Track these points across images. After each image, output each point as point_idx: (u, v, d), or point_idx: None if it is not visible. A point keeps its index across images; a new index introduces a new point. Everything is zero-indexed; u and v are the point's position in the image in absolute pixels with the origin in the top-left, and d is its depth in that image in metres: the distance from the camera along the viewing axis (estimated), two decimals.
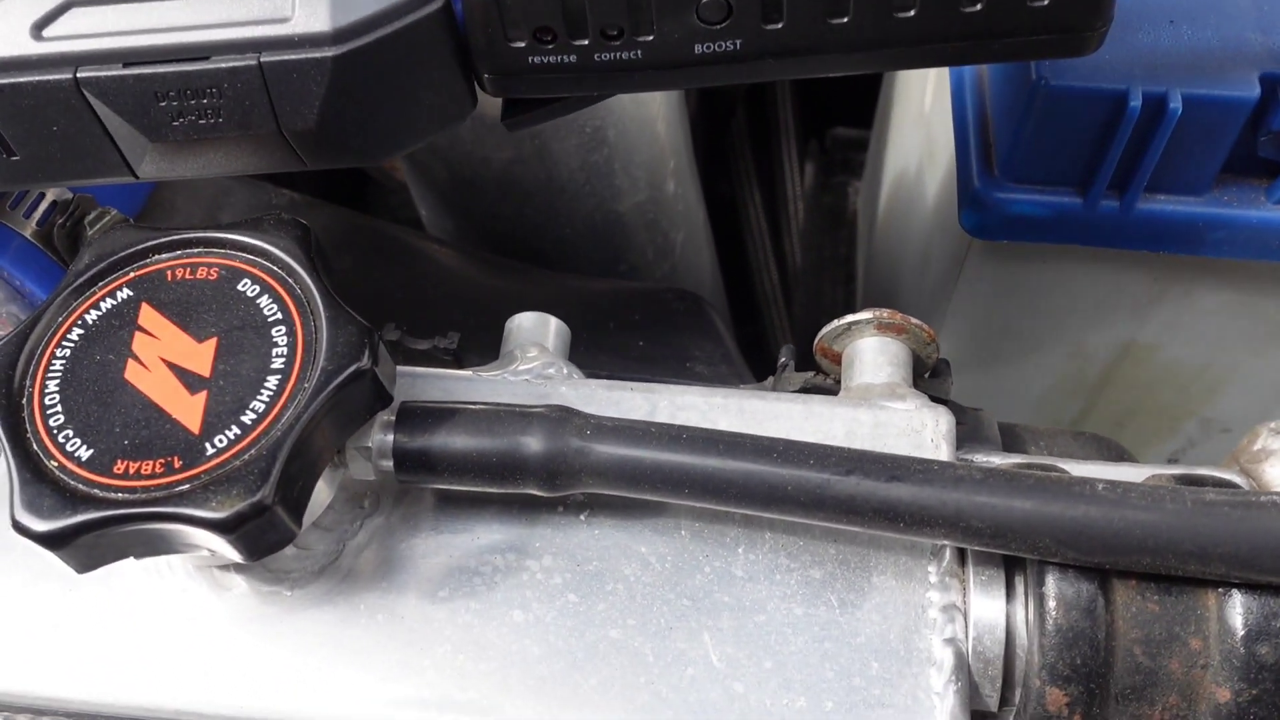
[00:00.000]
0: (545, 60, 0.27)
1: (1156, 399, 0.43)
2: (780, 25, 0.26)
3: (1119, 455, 0.38)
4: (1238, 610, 0.25)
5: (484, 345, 0.40)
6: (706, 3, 0.26)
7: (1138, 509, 0.24)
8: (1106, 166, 0.33)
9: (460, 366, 0.38)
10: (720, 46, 0.26)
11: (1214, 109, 0.32)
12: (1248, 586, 0.25)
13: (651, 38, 0.26)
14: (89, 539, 0.24)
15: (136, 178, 0.28)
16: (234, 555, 0.24)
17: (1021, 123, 0.34)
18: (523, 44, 0.27)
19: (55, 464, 0.24)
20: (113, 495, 0.24)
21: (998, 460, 0.33)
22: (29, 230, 0.34)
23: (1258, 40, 0.33)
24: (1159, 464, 0.41)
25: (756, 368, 0.86)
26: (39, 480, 0.24)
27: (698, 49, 0.26)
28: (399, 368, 0.30)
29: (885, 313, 0.33)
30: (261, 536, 0.24)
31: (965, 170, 0.36)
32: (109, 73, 0.25)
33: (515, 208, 0.48)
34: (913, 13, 0.25)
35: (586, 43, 0.26)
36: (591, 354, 0.42)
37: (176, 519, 0.23)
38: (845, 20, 0.26)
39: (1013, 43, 0.26)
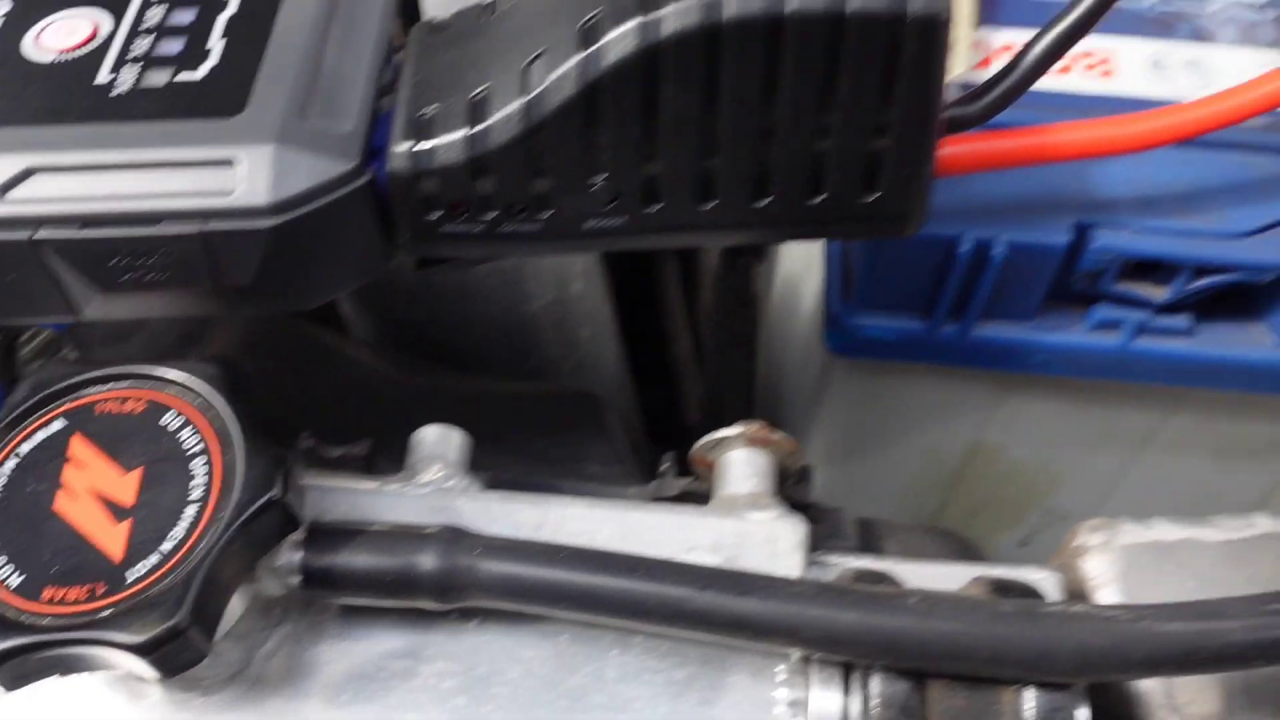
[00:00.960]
0: (456, 230, 0.31)
1: (1004, 492, 0.48)
2: (658, 208, 0.30)
3: (963, 550, 0.42)
4: (1029, 704, 0.29)
5: (394, 448, 0.43)
6: (597, 189, 0.30)
7: (943, 620, 0.28)
8: (945, 298, 0.38)
9: (371, 471, 0.41)
10: (608, 223, 0.31)
11: (1033, 253, 0.36)
12: (1037, 684, 0.29)
13: (550, 214, 0.30)
14: (16, 663, 0.26)
15: (79, 319, 0.31)
16: (151, 674, 0.27)
17: (873, 259, 0.38)
18: (437, 215, 0.30)
19: None
20: (40, 622, 0.27)
21: (848, 562, 0.37)
22: None
23: (1074, 188, 0.37)
24: (1004, 554, 0.46)
25: (670, 428, 0.90)
26: None
27: (588, 224, 0.31)
28: (311, 480, 0.33)
29: (753, 428, 0.37)
30: (176, 657, 0.27)
31: (829, 295, 0.40)
32: (66, 235, 0.28)
33: (429, 312, 0.51)
34: (768, 201, 0.30)
35: (493, 217, 0.30)
36: (495, 454, 0.45)
37: (97, 643, 0.26)
38: (713, 206, 0.30)
39: (849, 226, 0.31)
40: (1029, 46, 0.33)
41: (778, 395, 0.57)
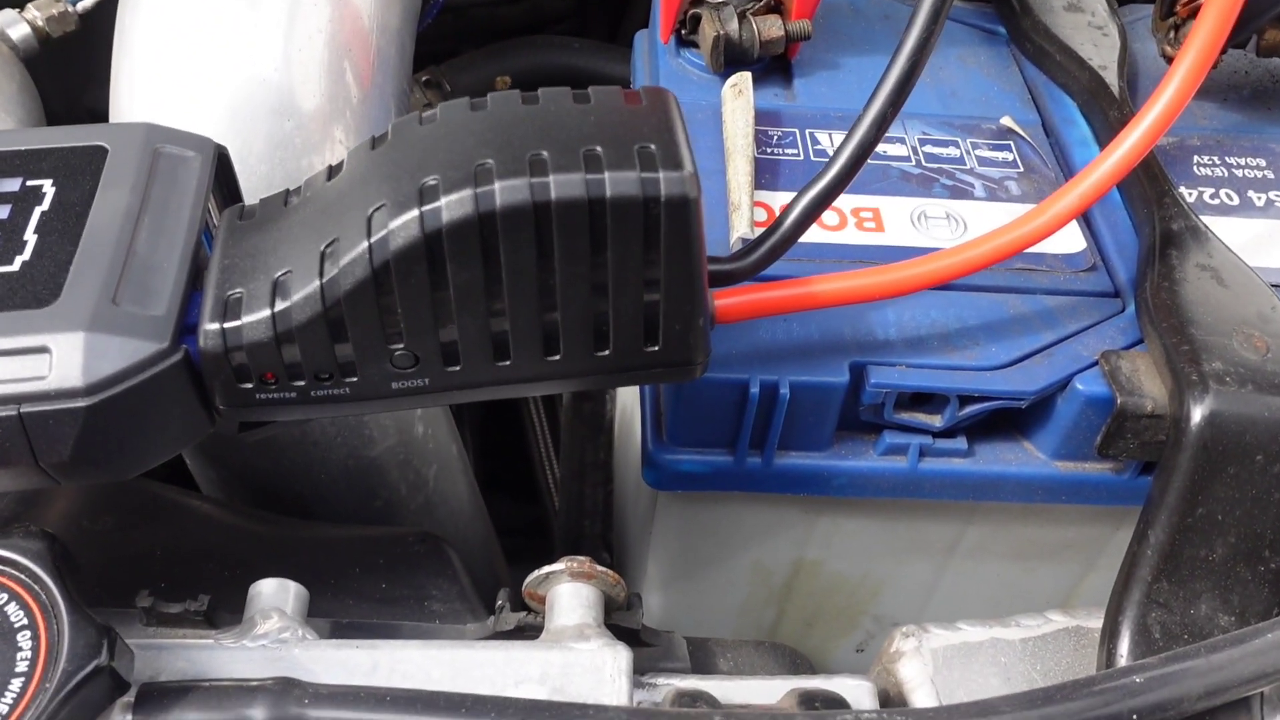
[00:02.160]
0: (269, 397, 0.33)
1: (832, 603, 0.51)
2: (459, 368, 0.33)
3: (791, 663, 0.45)
4: None
5: (235, 599, 0.44)
6: (399, 355, 0.33)
7: None
8: (744, 433, 0.41)
9: (212, 624, 0.42)
10: (413, 384, 0.33)
11: (816, 391, 0.41)
12: None
13: (356, 379, 0.33)
14: None
15: None
16: None
17: (677, 400, 0.42)
18: (250, 385, 0.33)
19: None
20: None
21: (675, 683, 0.40)
22: None
23: (849, 333, 0.42)
24: (840, 660, 0.48)
25: (540, 545, 0.91)
26: None
27: (394, 385, 0.33)
28: (145, 640, 0.34)
29: (576, 562, 0.40)
30: None
31: (644, 434, 0.44)
32: None
33: (271, 461, 0.52)
34: (559, 357, 0.33)
35: (303, 384, 0.33)
36: (338, 599, 0.46)
37: None
38: (509, 363, 0.33)
39: (639, 374, 0.34)
40: (788, 209, 0.38)
41: (618, 522, 0.60)
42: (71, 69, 0.68)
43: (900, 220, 0.47)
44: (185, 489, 0.55)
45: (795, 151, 0.49)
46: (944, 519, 0.47)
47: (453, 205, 0.30)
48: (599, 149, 0.31)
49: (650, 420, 0.43)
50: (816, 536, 0.47)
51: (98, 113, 0.75)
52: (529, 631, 0.42)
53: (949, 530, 0.47)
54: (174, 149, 0.37)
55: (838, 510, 0.46)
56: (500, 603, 0.43)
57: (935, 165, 0.50)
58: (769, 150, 0.49)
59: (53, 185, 0.35)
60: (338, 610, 0.45)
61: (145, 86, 0.47)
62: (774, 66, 0.54)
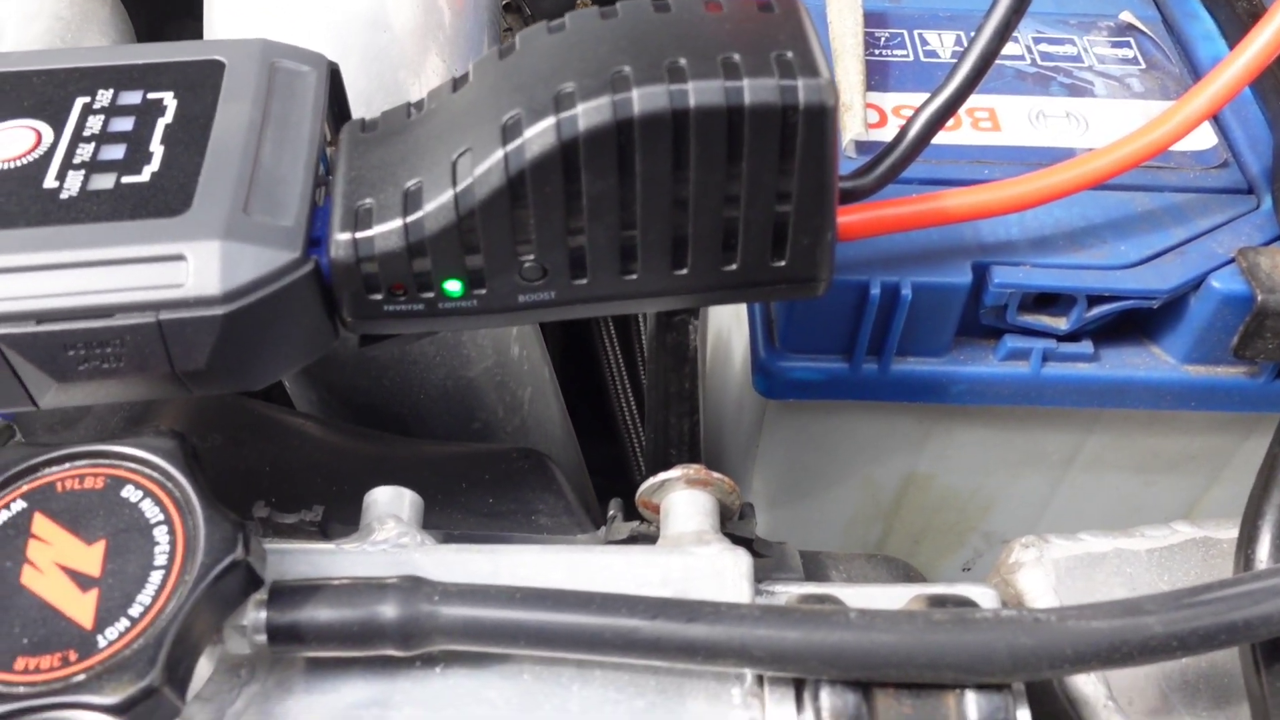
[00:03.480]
0: (397, 309, 0.33)
1: (941, 519, 0.50)
2: (586, 281, 0.32)
3: (904, 575, 0.44)
4: (971, 707, 0.31)
5: (347, 513, 0.44)
6: (528, 267, 0.32)
7: (881, 631, 0.30)
8: (862, 339, 0.40)
9: (325, 536, 0.43)
10: (539, 297, 0.33)
11: (938, 293, 0.39)
12: (977, 687, 0.31)
13: (484, 291, 0.32)
14: None
15: (38, 408, 0.32)
16: None
17: (792, 307, 0.41)
18: (379, 297, 0.32)
19: None
20: (15, 690, 0.27)
21: (794, 590, 0.39)
22: None
23: (970, 234, 0.41)
24: (949, 579, 0.48)
25: (619, 486, 0.91)
26: None
27: (521, 298, 0.33)
28: (269, 544, 0.34)
29: (692, 469, 0.39)
30: (151, 716, 0.27)
31: (755, 342, 0.43)
32: (23, 330, 0.30)
33: (372, 381, 0.52)
34: (685, 271, 0.32)
35: (431, 295, 0.32)
36: (446, 513, 0.46)
37: (74, 706, 0.27)
38: (635, 277, 0.32)
39: (763, 290, 0.34)
40: (911, 121, 0.36)
41: (719, 443, 0.59)
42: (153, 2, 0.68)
43: (1017, 120, 0.45)
44: (285, 408, 0.55)
45: (904, 53, 0.48)
46: (1063, 428, 0.45)
47: (590, 112, 0.30)
48: (736, 56, 0.30)
49: (761, 327, 0.42)
50: (929, 448, 0.46)
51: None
52: (642, 540, 0.42)
53: (1068, 441, 0.46)
54: (290, 64, 0.37)
55: (953, 420, 0.45)
56: (612, 513, 0.42)
57: (1051, 64, 0.47)
58: (876, 52, 0.48)
59: (174, 98, 0.35)
60: (446, 524, 0.45)
61: (239, 12, 0.47)
62: None
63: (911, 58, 0.47)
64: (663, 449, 0.84)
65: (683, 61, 0.30)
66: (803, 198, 0.32)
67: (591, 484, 0.73)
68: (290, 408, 0.56)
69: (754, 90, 0.30)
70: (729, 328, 0.57)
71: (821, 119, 0.30)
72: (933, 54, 0.48)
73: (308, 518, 0.41)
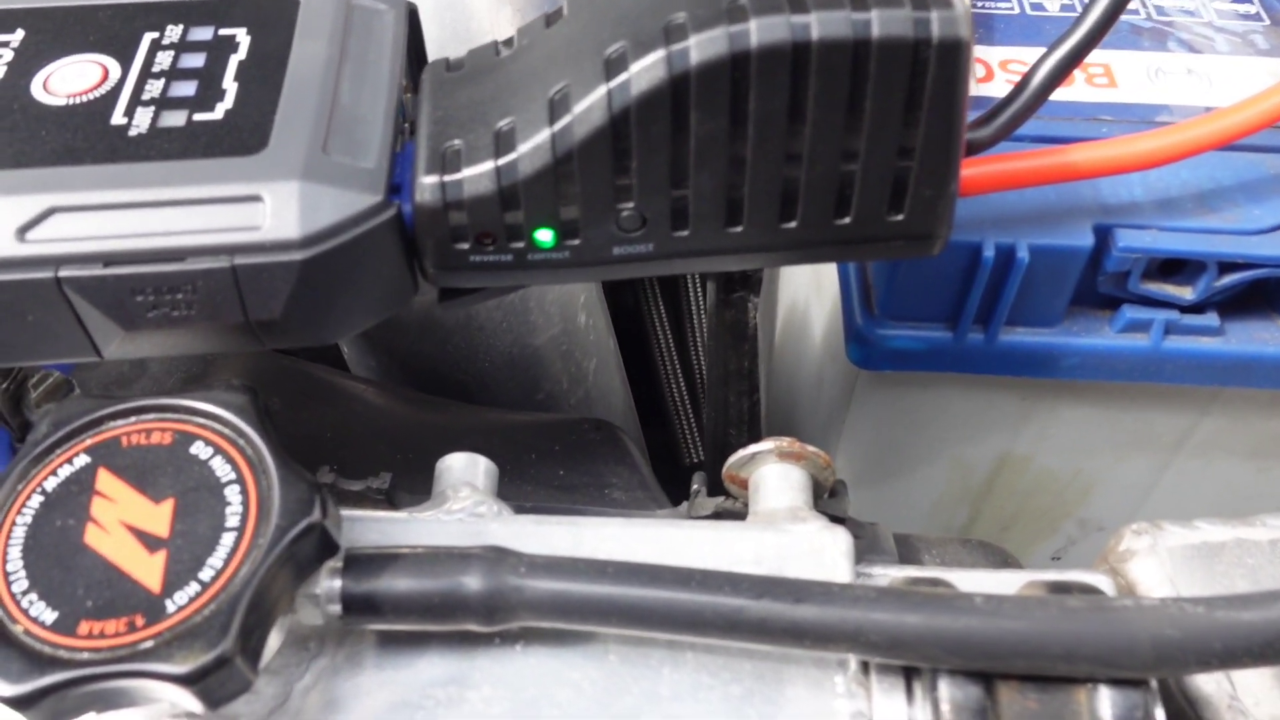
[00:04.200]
0: (484, 260, 0.30)
1: (1035, 503, 0.48)
2: (686, 233, 0.30)
3: (1003, 561, 0.42)
4: (1105, 704, 0.28)
5: (413, 482, 0.42)
6: (626, 216, 0.30)
7: (1010, 618, 0.28)
8: (970, 306, 0.37)
9: (392, 505, 0.40)
10: (635, 249, 0.30)
11: (1056, 256, 0.36)
12: (1112, 682, 0.28)
13: (578, 242, 0.30)
14: (55, 699, 0.25)
15: (102, 358, 0.30)
16: (195, 706, 0.26)
17: (894, 270, 0.38)
18: (465, 246, 0.30)
19: (21, 629, 0.26)
20: (79, 656, 0.25)
21: (894, 573, 0.36)
22: None
23: (1090, 195, 0.38)
24: (1039, 567, 0.45)
25: (668, 470, 0.89)
26: (5, 645, 0.25)
27: (616, 251, 0.30)
28: (341, 512, 0.32)
29: (785, 442, 0.37)
30: (222, 687, 0.25)
31: (849, 309, 0.40)
32: (90, 272, 0.28)
33: (436, 346, 0.50)
34: (795, 224, 0.30)
35: (521, 246, 0.30)
36: (515, 485, 0.44)
37: (142, 675, 0.25)
38: (740, 229, 0.30)
39: (876, 247, 0.31)
40: (1036, 67, 0.34)
41: (792, 422, 0.57)
42: None
43: (1135, 76, 0.42)
44: (345, 372, 0.53)
45: (1009, 5, 0.45)
46: (1177, 408, 0.42)
47: (704, 44, 0.27)
48: None
49: (858, 292, 0.40)
50: (1030, 427, 0.43)
51: None
52: (728, 517, 0.39)
53: (1181, 422, 0.43)
54: (367, 2, 0.35)
55: (1059, 396, 0.42)
56: (696, 487, 0.40)
57: (1167, 19, 0.44)
58: (980, 4, 0.45)
59: (247, 34, 0.33)
60: (516, 496, 0.43)
61: None
62: None
63: (1017, 10, 0.44)
64: (722, 429, 0.81)
65: None
66: (928, 144, 0.29)
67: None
68: (348, 372, 0.55)
69: (883, 21, 0.27)
70: (805, 299, 0.54)
71: (955, 55, 0.28)
72: (1039, 7, 0.45)
73: (375, 485, 0.39)
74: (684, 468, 0.90)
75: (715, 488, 0.40)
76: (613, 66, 0.28)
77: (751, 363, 0.85)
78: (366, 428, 0.46)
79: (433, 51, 0.43)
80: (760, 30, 0.27)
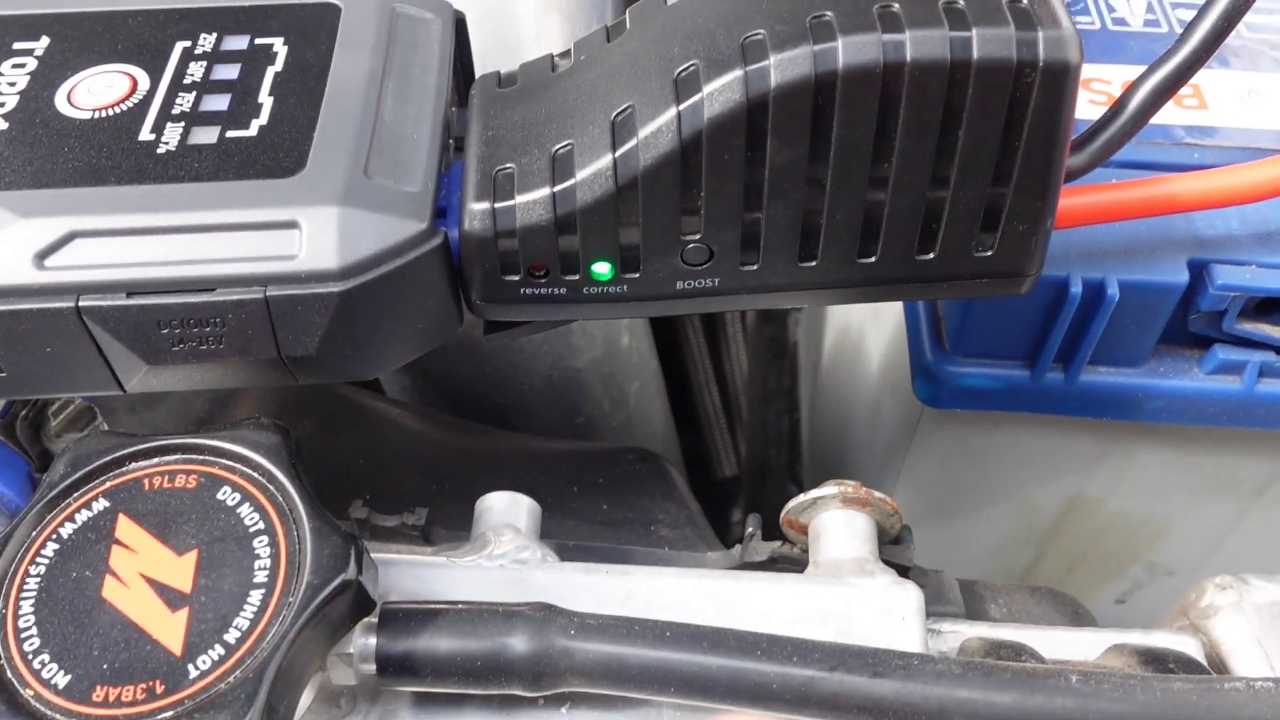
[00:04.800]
0: (536, 292, 0.28)
1: (1103, 546, 0.45)
2: (756, 267, 0.28)
3: (1074, 613, 0.39)
4: None
5: (449, 515, 0.40)
6: (691, 248, 0.27)
7: (1111, 701, 0.25)
8: (1051, 343, 0.35)
9: (428, 542, 0.38)
10: (700, 284, 0.28)
11: (1148, 293, 0.34)
12: None
13: (638, 275, 0.28)
14: None
15: (125, 392, 0.28)
16: None
17: (971, 303, 0.35)
18: (516, 278, 0.28)
19: (31, 693, 0.24)
20: None
21: (964, 629, 0.34)
22: None
23: (1183, 227, 0.35)
24: (1105, 617, 0.42)
25: (700, 481, 0.86)
26: (14, 712, 0.23)
27: (679, 285, 0.28)
28: (373, 555, 0.30)
29: (850, 487, 0.34)
30: None
31: (917, 343, 0.37)
32: (111, 302, 0.26)
33: (475, 368, 0.48)
34: (874, 259, 0.27)
35: (576, 278, 0.28)
36: (556, 518, 0.42)
37: None
38: (814, 264, 0.28)
39: (960, 285, 0.28)
40: (1134, 88, 0.31)
41: (841, 450, 0.54)
42: None
43: (1227, 98, 0.39)
44: (378, 394, 0.51)
45: (1089, 20, 0.42)
46: (1263, 454, 0.40)
47: (784, 64, 0.25)
48: (960, 1, 0.25)
49: (927, 326, 0.37)
50: (1104, 469, 0.41)
51: None
52: (784, 564, 0.37)
53: (1264, 468, 0.40)
54: (413, 10, 0.33)
55: (1137, 438, 0.39)
56: (751, 529, 0.37)
57: (1260, 36, 0.41)
58: None
59: (284, 44, 0.31)
60: (558, 532, 0.41)
61: None
62: None
63: (1098, 25, 0.42)
64: (762, 448, 0.79)
65: (896, 5, 0.25)
66: (1025, 175, 0.27)
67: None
68: (380, 393, 0.52)
69: (984, 42, 0.25)
70: (860, 322, 0.51)
71: (1063, 80, 0.25)
72: (1122, 21, 0.42)
73: (410, 521, 0.37)
74: (717, 481, 0.88)
75: (754, 505, 0.38)
76: (683, 87, 0.26)
77: (791, 380, 0.82)
78: (401, 455, 0.44)
79: (477, 61, 0.40)
80: (848, 50, 0.25)
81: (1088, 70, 0.41)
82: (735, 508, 0.85)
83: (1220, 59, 0.41)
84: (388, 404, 0.48)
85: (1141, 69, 0.31)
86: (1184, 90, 0.39)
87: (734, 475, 0.89)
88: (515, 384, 0.49)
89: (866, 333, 0.49)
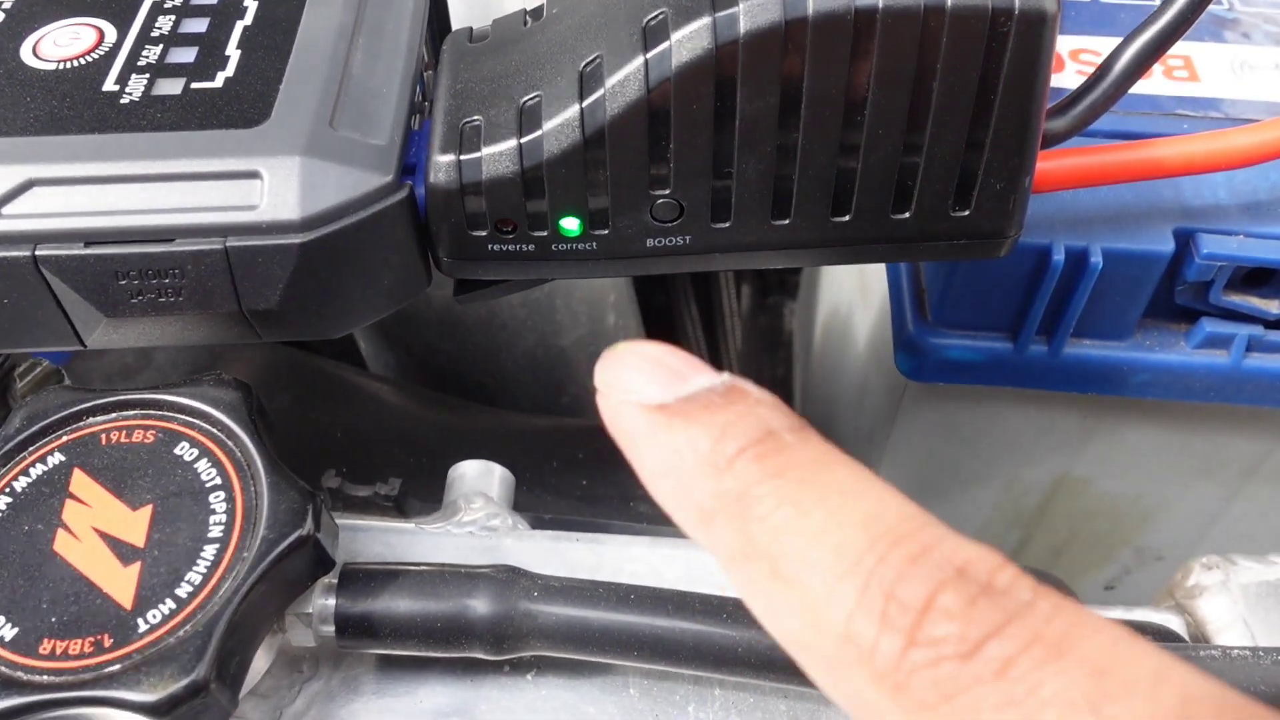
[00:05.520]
0: (504, 249, 0.28)
1: (1092, 529, 0.44)
2: (728, 224, 0.27)
3: (1060, 591, 0.38)
4: None
5: (425, 487, 0.39)
6: (660, 204, 0.27)
7: None
8: (1034, 314, 0.34)
9: (402, 513, 0.38)
10: (670, 241, 0.27)
11: (1132, 262, 0.33)
12: None
13: (607, 232, 0.27)
14: None
15: (85, 346, 0.27)
16: None
17: (952, 272, 0.35)
18: (483, 233, 0.27)
19: None
20: (38, 678, 0.23)
21: None
22: None
23: (1170, 196, 0.34)
24: (1093, 599, 0.41)
25: None
26: None
27: (649, 243, 0.27)
28: (339, 519, 0.29)
29: None
30: (197, 717, 0.23)
31: (900, 315, 0.37)
32: (68, 251, 0.25)
33: (457, 344, 0.48)
34: (848, 218, 0.27)
35: (545, 234, 0.27)
36: (535, 494, 0.41)
37: (104, 703, 0.22)
38: (787, 222, 0.27)
39: (937, 246, 0.28)
40: (1116, 54, 0.30)
41: (827, 432, 0.53)
42: None
43: (1217, 70, 0.38)
44: (359, 369, 0.50)
45: None
46: (1252, 433, 0.39)
47: (754, 10, 0.24)
48: None
49: (909, 296, 0.36)
50: (1091, 448, 0.40)
51: None
52: None
53: (1256, 447, 0.40)
54: None
55: (1124, 416, 0.39)
56: None
57: (1254, 9, 0.41)
58: None
59: None
60: (535, 507, 0.41)
61: None
62: None
63: None
64: None
65: None
66: (1002, 131, 0.26)
67: None
68: (364, 369, 0.52)
69: None
70: (849, 303, 0.51)
71: (1039, 30, 0.25)
72: None
73: (383, 491, 0.36)
74: None
75: None
76: (651, 35, 0.25)
77: (786, 371, 0.81)
78: (379, 428, 0.43)
79: (456, 23, 0.40)
80: None
81: (1077, 41, 0.40)
82: None
83: (1213, 32, 0.40)
84: (368, 379, 0.47)
85: None
86: (1174, 61, 0.39)
87: None
88: (499, 361, 0.48)
89: (855, 313, 0.48)
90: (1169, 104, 0.37)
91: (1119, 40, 0.38)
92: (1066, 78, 0.38)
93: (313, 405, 0.44)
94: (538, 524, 0.39)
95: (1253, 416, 0.38)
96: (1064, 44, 0.39)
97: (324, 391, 0.45)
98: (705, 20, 0.25)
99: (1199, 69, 0.39)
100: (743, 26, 0.24)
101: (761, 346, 0.81)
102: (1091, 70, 0.37)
